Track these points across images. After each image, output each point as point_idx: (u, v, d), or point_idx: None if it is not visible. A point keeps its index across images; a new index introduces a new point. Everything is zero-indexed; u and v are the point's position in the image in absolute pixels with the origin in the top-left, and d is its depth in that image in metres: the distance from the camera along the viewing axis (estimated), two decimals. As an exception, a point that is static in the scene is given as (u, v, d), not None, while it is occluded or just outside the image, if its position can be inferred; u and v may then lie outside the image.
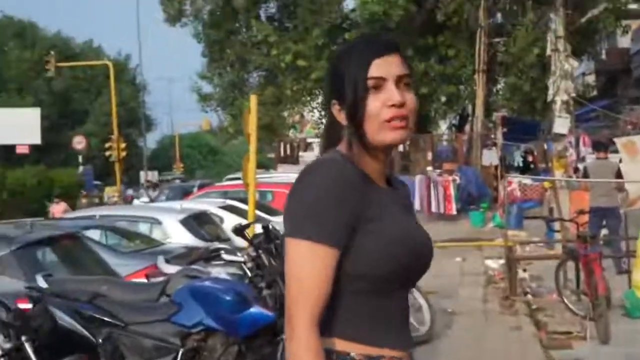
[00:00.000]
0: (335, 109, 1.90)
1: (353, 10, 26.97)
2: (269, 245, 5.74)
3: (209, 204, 14.14)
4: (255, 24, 27.34)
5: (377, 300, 1.83)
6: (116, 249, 9.63)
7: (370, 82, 1.84)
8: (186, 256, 8.21)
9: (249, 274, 5.76)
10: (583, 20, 16.15)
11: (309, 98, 29.08)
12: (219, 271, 5.92)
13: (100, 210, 13.87)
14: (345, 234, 1.76)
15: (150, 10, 74.45)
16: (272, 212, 14.38)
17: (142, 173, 43.37)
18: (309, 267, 1.74)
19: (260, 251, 5.75)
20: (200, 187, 26.98)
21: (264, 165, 49.26)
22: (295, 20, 27.74)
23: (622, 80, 39.96)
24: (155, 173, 48.06)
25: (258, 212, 14.41)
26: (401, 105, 1.84)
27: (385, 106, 1.83)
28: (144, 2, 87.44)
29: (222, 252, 6.26)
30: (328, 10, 26.26)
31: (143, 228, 11.38)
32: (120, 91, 48.59)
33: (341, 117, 1.89)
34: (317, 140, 34.25)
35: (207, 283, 5.30)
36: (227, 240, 11.23)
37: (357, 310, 1.82)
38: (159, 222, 11.32)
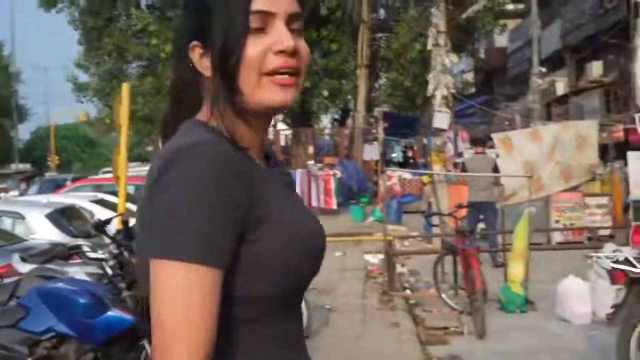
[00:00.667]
0: (196, 53, 1.38)
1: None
2: (130, 242, 5.23)
3: (79, 198, 13.47)
4: (134, 12, 26.53)
5: (278, 325, 1.37)
6: (-28, 246, 8.92)
7: (252, 18, 1.34)
8: (48, 253, 7.64)
9: (110, 272, 5.22)
10: (463, 16, 16.30)
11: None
12: (76, 270, 5.43)
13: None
14: (232, 248, 1.27)
15: (25, -4, 71.40)
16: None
17: (13, 166, 41.54)
18: (189, 297, 1.22)
19: (122, 248, 5.24)
20: (74, 180, 25.93)
21: (144, 158, 48.19)
22: (177, 9, 27.09)
23: (498, 78, 41.15)
24: (28, 165, 46.13)
25: (132, 207, 13.93)
26: (292, 53, 1.36)
27: (270, 52, 1.35)
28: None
29: (82, 249, 5.74)
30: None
31: (6, 223, 10.65)
32: (-8, 79, 46.36)
33: (204, 66, 1.37)
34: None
35: (59, 285, 4.81)
36: (97, 236, 10.65)
37: (252, 343, 1.34)
38: (22, 217, 10.62)
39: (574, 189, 13.55)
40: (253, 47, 1.34)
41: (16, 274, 6.01)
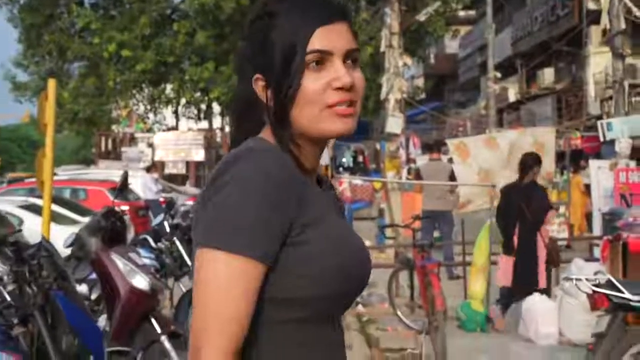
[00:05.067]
0: (259, 85, 1.51)
1: (183, 0, 25.83)
2: (21, 267, 4.02)
3: (8, 203, 12.55)
4: (76, 9, 25.53)
5: (313, 329, 1.47)
6: None
7: (310, 57, 1.47)
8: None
9: (8, 299, 4.20)
10: (418, 17, 15.84)
11: (134, 91, 27.53)
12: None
13: None
14: (276, 248, 1.41)
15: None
16: (84, 212, 13.02)
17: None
18: (230, 286, 1.38)
19: (24, 268, 4.24)
20: (10, 182, 24.77)
21: (89, 160, 46.93)
22: (121, 8, 26.24)
23: (449, 84, 41.05)
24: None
25: (67, 213, 13.08)
26: (350, 87, 1.48)
27: (330, 88, 1.47)
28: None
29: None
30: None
31: None
32: None
33: (267, 97, 1.50)
34: (146, 135, 32.74)
35: None
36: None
37: (286, 345, 1.45)
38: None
39: (531, 197, 13.14)
40: (313, 83, 1.47)
41: None
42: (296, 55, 1.46)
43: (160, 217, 6.81)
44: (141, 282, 4.65)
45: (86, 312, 4.39)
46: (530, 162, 8.02)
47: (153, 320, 4.67)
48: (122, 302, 4.60)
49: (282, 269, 1.41)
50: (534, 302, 7.38)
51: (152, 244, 6.69)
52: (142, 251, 6.42)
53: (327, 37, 1.48)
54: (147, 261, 6.33)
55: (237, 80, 1.59)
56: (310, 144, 1.52)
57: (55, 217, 12.06)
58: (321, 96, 1.47)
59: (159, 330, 4.67)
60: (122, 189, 6.01)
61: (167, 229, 6.63)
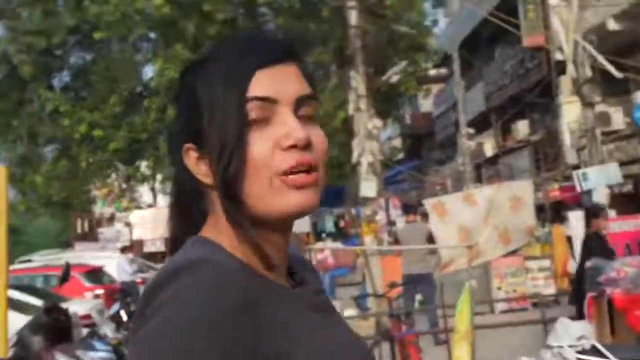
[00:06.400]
0: (191, 157, 1.15)
1: (152, 78, 25.82)
2: None
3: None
4: (44, 93, 25.42)
5: None
6: None
7: (252, 107, 1.11)
8: None
9: None
10: (383, 78, 15.76)
11: (108, 170, 27.30)
12: None
13: None
14: None
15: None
16: (54, 299, 12.55)
17: None
18: None
19: None
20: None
21: (68, 244, 46.38)
22: (90, 88, 26.19)
23: (426, 142, 41.08)
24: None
25: (35, 301, 12.60)
26: (306, 146, 1.11)
27: (278, 148, 1.11)
28: None
29: None
30: (126, 77, 24.99)
31: None
32: None
33: (202, 172, 1.14)
34: (124, 214, 32.39)
35: None
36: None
37: None
38: None
39: (514, 252, 12.86)
40: (258, 144, 1.11)
41: None
42: (233, 108, 1.12)
43: (117, 305, 6.41)
44: (87, 384, 4.27)
45: None
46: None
47: None
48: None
49: None
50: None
51: (110, 334, 6.28)
52: (97, 344, 6.03)
53: (270, 82, 1.13)
54: (103, 355, 5.94)
55: (171, 162, 1.23)
56: (271, 231, 1.15)
57: (24, 307, 11.65)
58: (270, 161, 1.11)
59: None
60: (64, 280, 5.66)
61: (124, 318, 6.24)
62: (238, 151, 1.10)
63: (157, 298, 1.04)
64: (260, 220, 1.13)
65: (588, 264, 7.82)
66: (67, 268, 5.72)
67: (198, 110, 1.14)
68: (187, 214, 1.21)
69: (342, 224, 32.87)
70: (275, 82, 1.14)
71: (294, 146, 1.11)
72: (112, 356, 6.06)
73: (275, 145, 1.12)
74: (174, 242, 1.22)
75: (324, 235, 31.74)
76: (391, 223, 20.57)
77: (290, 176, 1.11)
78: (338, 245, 19.19)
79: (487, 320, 11.29)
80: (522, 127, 27.52)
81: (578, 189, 10.58)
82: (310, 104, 1.16)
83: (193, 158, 1.15)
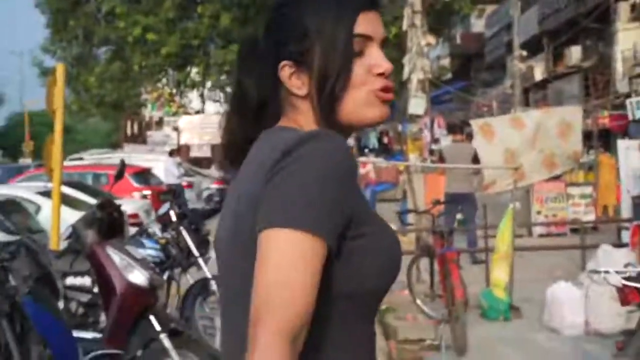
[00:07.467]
0: (286, 72, 1.45)
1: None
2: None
3: (26, 189, 12.41)
4: (101, -8, 25.42)
5: (362, 325, 1.40)
6: None
7: (355, 42, 1.44)
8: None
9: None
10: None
11: (158, 75, 27.40)
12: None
13: None
14: (340, 230, 1.31)
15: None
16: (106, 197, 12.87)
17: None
18: (298, 264, 1.24)
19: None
20: (38, 167, 24.79)
21: (115, 144, 47.03)
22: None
23: (476, 63, 40.42)
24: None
25: (86, 198, 12.95)
26: (390, 74, 1.49)
27: (370, 74, 1.45)
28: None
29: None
30: (182, -18, 24.80)
31: None
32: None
33: (295, 85, 1.45)
34: (173, 118, 32.65)
35: None
36: (40, 231, 9.70)
37: (338, 340, 1.36)
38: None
39: (557, 178, 12.80)
40: (358, 70, 1.44)
41: None
42: (344, 40, 1.43)
43: (166, 206, 6.59)
44: (139, 277, 4.44)
45: (60, 321, 4.17)
46: None
47: (152, 318, 4.46)
48: (119, 299, 4.39)
49: (347, 262, 1.34)
50: (560, 291, 7.11)
51: (159, 233, 6.48)
52: (146, 242, 6.24)
53: (368, 23, 1.46)
54: (152, 252, 6.14)
55: (241, 75, 1.51)
56: (343, 133, 1.48)
57: (74, 203, 11.97)
58: (366, 81, 1.45)
59: (158, 328, 4.45)
60: (118, 178, 5.81)
61: (173, 218, 6.41)
62: (344, 75, 1.42)
63: (295, 153, 1.31)
64: (341, 128, 1.45)
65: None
66: (123, 166, 5.83)
67: (304, 35, 1.43)
68: (260, 119, 1.49)
69: (385, 140, 32.79)
70: (371, 24, 1.46)
71: (382, 73, 1.45)
72: (160, 254, 6.28)
73: (368, 72, 1.44)
74: (228, 147, 1.53)
75: (366, 150, 31.77)
76: (435, 142, 20.55)
77: (381, 93, 1.45)
78: (382, 160, 19.20)
79: (525, 242, 11.37)
80: (574, 53, 26.93)
81: (630, 117, 10.44)
82: (384, 43, 1.50)
83: (288, 73, 1.45)
